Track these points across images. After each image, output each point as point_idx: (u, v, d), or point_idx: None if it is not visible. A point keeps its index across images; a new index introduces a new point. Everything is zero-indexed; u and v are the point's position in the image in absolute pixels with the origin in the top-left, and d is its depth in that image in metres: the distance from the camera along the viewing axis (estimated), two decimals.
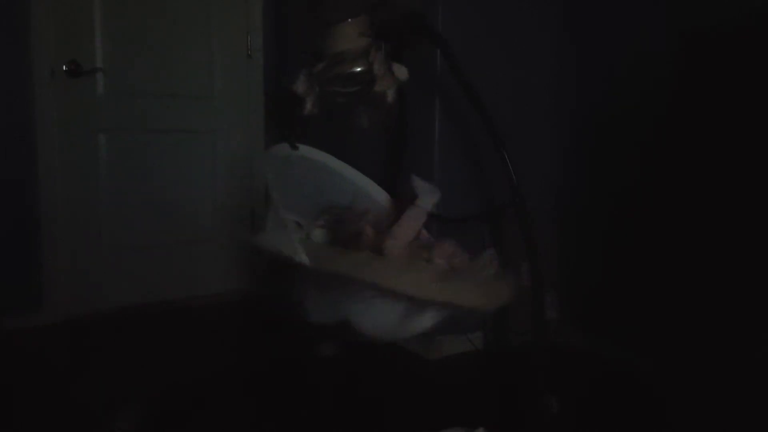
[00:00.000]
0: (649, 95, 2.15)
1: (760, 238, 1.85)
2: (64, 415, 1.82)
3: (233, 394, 2.00)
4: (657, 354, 2.08)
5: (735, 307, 1.90)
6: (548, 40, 2.49)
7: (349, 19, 1.62)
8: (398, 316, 1.41)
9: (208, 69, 3.00)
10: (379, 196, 1.90)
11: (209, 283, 3.08)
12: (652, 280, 2.16)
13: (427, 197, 1.68)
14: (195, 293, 3.02)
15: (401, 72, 1.61)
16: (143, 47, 2.83)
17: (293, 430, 1.78)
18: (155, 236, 2.94)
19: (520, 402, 1.87)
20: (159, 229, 2.94)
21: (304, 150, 1.86)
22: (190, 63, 2.95)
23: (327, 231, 1.77)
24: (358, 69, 1.62)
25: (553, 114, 2.51)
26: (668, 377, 2.01)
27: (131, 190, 2.86)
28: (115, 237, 2.84)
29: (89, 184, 2.76)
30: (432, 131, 2.28)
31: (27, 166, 2.58)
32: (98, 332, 2.62)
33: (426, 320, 1.42)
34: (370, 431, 1.78)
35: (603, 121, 2.35)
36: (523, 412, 1.78)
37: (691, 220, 2.04)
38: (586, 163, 2.43)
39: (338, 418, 1.84)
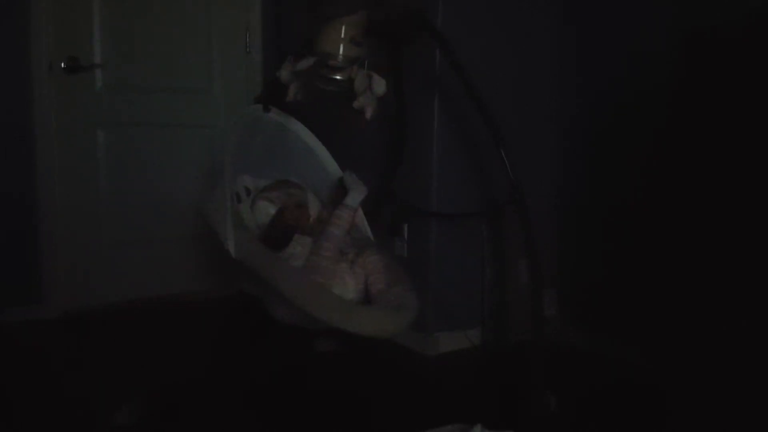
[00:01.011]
0: (649, 94, 2.15)
1: (760, 237, 1.85)
2: (62, 410, 1.82)
3: (232, 390, 2.00)
4: (656, 352, 2.08)
5: (735, 306, 1.90)
6: (549, 39, 2.49)
7: (347, 15, 1.61)
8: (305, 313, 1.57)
9: (206, 65, 2.99)
10: (334, 172, 1.99)
11: (209, 278, 3.08)
12: (652, 278, 2.16)
13: (355, 195, 1.80)
14: (194, 288, 3.02)
15: (379, 87, 1.62)
16: (142, 43, 2.82)
17: (291, 426, 1.78)
18: (154, 231, 2.93)
19: (518, 399, 1.87)
20: (158, 224, 2.93)
21: (276, 113, 1.90)
22: (189, 59, 2.94)
23: (271, 204, 1.88)
24: (338, 77, 1.63)
25: (553, 112, 2.51)
26: (668, 376, 2.01)
27: (130, 185, 2.85)
28: (114, 232, 2.83)
29: (88, 179, 2.76)
30: (431, 128, 2.27)
31: (26, 161, 2.58)
32: (97, 327, 2.62)
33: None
34: (367, 428, 1.78)
35: (603, 119, 2.35)
36: (521, 410, 1.78)
37: (691, 218, 2.04)
38: (586, 161, 2.43)
39: (335, 415, 1.84)
